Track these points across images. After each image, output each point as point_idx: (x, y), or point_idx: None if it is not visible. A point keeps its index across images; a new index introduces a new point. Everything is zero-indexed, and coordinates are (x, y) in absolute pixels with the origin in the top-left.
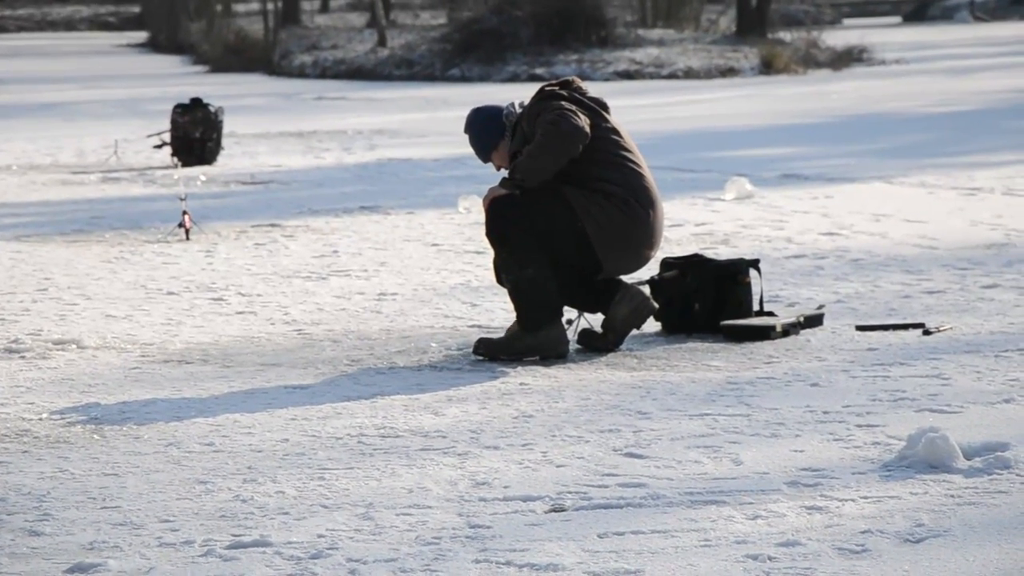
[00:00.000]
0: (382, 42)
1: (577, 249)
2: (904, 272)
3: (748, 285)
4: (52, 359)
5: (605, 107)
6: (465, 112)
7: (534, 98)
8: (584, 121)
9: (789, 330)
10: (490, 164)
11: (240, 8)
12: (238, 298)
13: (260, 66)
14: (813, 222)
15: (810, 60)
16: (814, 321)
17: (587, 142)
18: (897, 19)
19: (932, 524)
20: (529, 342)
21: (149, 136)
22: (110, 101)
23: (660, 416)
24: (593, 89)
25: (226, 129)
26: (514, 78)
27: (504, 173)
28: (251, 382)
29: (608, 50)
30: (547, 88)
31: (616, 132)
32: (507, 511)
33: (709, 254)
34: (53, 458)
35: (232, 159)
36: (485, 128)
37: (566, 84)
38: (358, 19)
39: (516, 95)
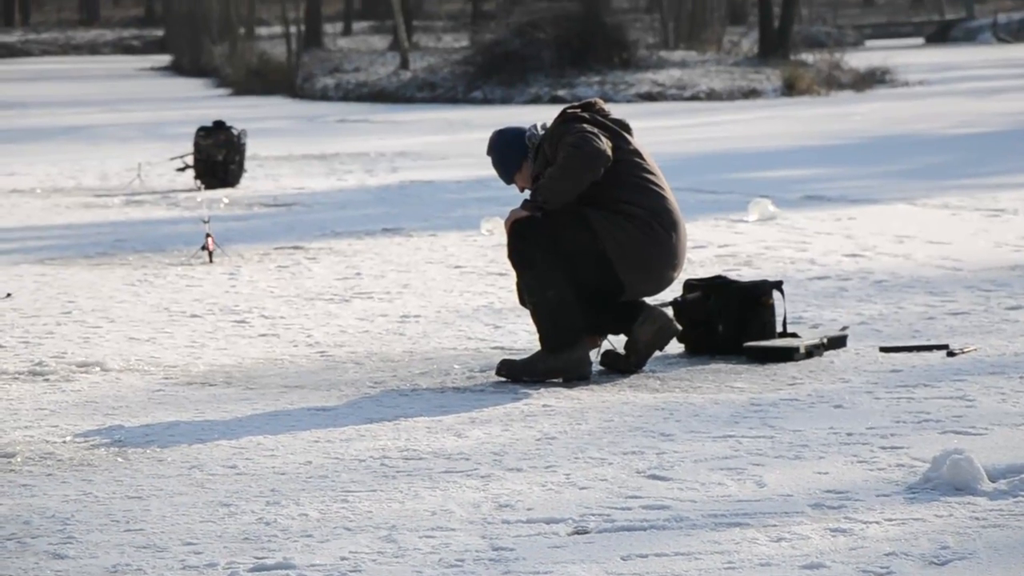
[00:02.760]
0: (404, 65)
1: (599, 271)
2: (928, 294)
3: (771, 307)
4: (76, 382)
5: (628, 129)
6: (488, 134)
7: (556, 120)
8: (606, 144)
9: (812, 351)
10: (513, 186)
11: (263, 31)
12: (261, 320)
13: (283, 89)
14: (836, 243)
15: (833, 81)
16: (837, 343)
17: (609, 165)
18: (920, 40)
19: (957, 547)
20: (552, 364)
21: (172, 159)
22: (133, 124)
23: (683, 438)
24: (615, 111)
25: (249, 152)
26: (536, 100)
27: (527, 195)
28: (274, 404)
29: (630, 72)
30: (569, 111)
31: (638, 154)
32: (530, 533)
33: (732, 276)
34: (77, 481)
35: (255, 181)
36: (508, 150)
37: (588, 106)
38: (380, 42)
39: (538, 117)
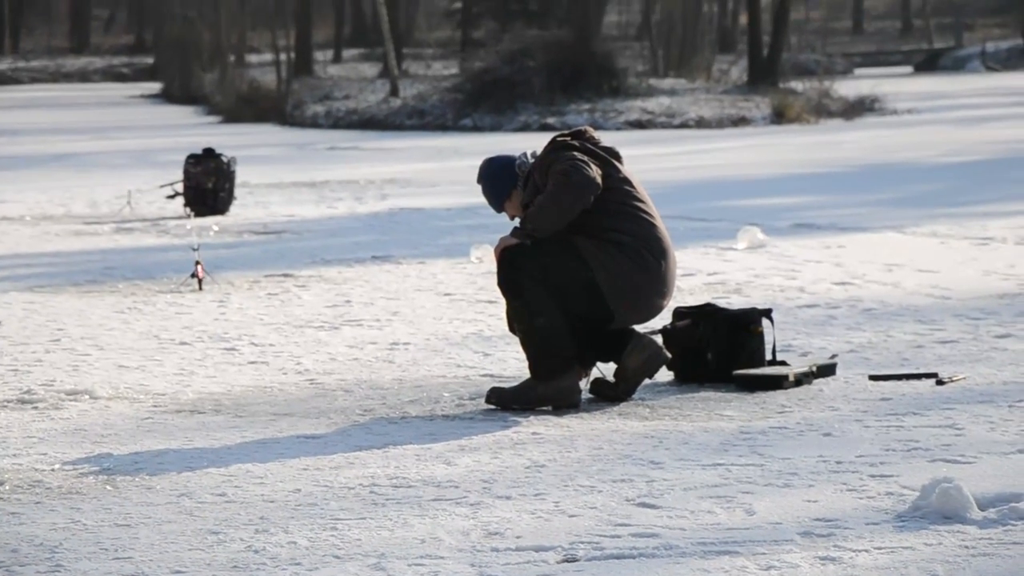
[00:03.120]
0: (394, 92)
1: (588, 299)
2: (917, 322)
3: (761, 334)
4: (65, 410)
5: (618, 157)
6: (477, 161)
7: (546, 148)
8: (596, 172)
9: (802, 380)
10: (504, 214)
11: (253, 59)
12: (250, 348)
13: (273, 116)
14: (825, 271)
15: (822, 110)
16: (827, 371)
17: (598, 193)
18: (909, 69)
19: (946, 575)
20: (541, 391)
21: (162, 186)
22: (123, 152)
23: (673, 466)
24: (605, 138)
25: (239, 179)
26: (526, 127)
27: (517, 223)
28: (263, 432)
29: (620, 99)
30: (559, 138)
31: (628, 182)
32: (519, 561)
33: (722, 303)
34: (65, 509)
35: (245, 209)
36: (498, 178)
37: (578, 134)
38: (370, 69)
39: (528, 144)
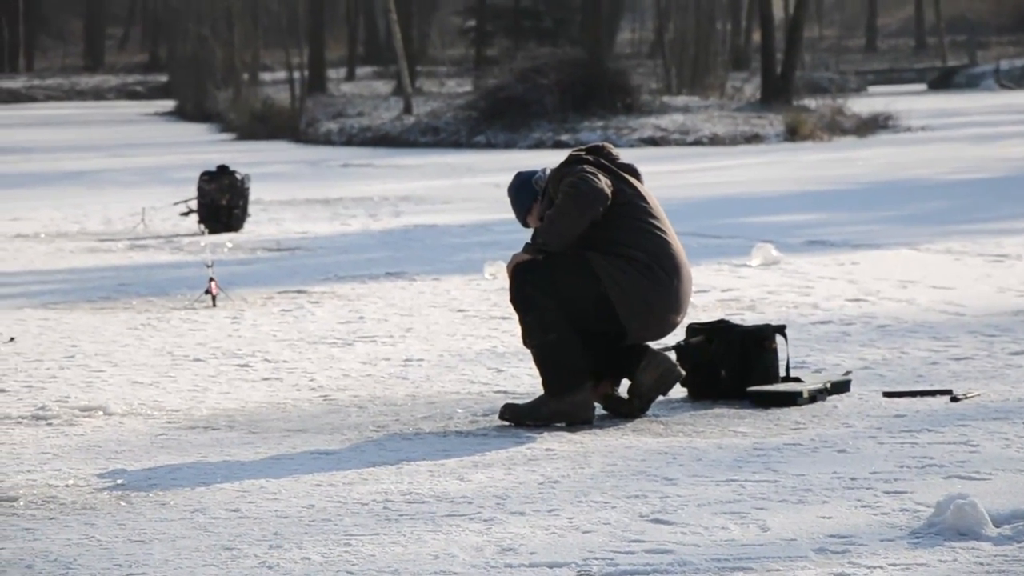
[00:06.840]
0: (408, 109)
1: (601, 315)
2: (931, 338)
3: (774, 351)
4: (79, 426)
5: (636, 173)
6: (491, 179)
7: (561, 163)
8: (604, 183)
9: (816, 396)
10: (530, 229)
11: (266, 76)
12: (264, 364)
13: (286, 134)
14: (839, 288)
15: (835, 127)
16: (841, 387)
17: (607, 204)
18: (923, 86)
19: None
20: (555, 407)
21: (176, 203)
22: (137, 169)
23: (686, 482)
24: (620, 155)
25: (252, 196)
26: (539, 145)
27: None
28: (277, 448)
29: (633, 117)
30: (574, 153)
31: (642, 198)
32: None
33: (735, 320)
34: (79, 524)
35: (258, 226)
36: (520, 192)
37: (595, 150)
38: (384, 87)
39: (541, 162)
